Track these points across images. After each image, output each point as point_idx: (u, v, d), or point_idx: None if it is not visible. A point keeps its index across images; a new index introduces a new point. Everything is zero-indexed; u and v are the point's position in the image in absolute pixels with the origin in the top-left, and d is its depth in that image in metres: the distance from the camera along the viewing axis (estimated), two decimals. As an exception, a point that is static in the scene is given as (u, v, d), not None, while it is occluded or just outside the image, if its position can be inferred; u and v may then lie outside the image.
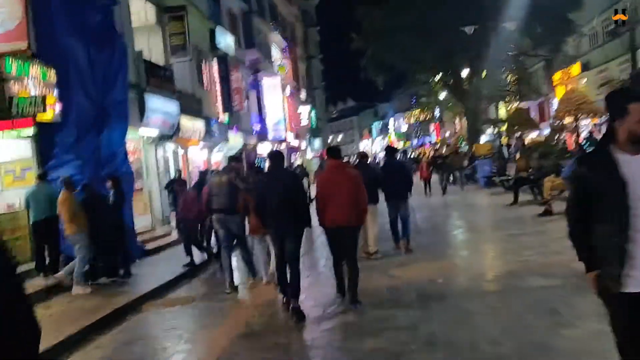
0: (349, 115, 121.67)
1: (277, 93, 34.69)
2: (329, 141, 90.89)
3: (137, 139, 17.23)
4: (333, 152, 7.93)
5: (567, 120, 21.89)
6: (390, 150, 12.21)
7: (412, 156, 48.68)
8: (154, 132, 17.67)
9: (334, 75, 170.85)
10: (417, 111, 73.77)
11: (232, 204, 8.98)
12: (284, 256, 7.21)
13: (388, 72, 37.25)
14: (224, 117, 25.10)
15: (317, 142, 55.01)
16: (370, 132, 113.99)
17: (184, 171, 20.92)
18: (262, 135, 33.72)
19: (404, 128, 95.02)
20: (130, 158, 15.39)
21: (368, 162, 12.53)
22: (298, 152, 45.92)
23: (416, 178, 19.08)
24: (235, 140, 26.63)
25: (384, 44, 33.41)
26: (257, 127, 32.70)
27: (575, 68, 40.64)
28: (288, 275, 7.23)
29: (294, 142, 42.55)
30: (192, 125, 20.50)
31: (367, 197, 7.50)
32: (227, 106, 25.08)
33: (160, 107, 17.39)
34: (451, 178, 25.78)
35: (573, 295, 6.52)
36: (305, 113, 47.23)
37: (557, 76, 43.68)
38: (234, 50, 27.40)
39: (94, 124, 12.68)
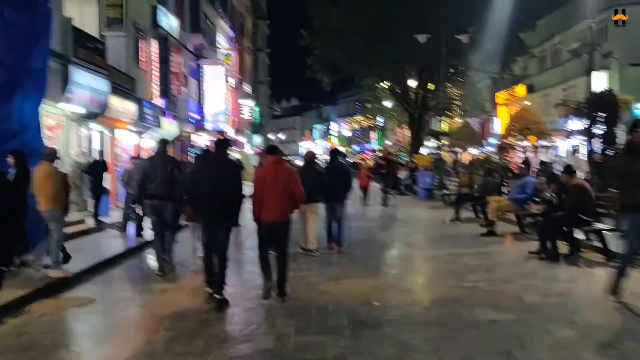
0: (292, 114, 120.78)
1: (219, 83, 33.22)
2: (270, 139, 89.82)
3: (59, 114, 15.70)
4: (272, 149, 8.10)
5: (511, 139, 21.62)
6: (334, 152, 12.12)
7: (353, 161, 48.09)
8: (79, 109, 16.13)
9: (280, 71, 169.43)
10: (360, 117, 73.75)
11: (167, 190, 8.91)
12: (212, 247, 7.17)
13: (334, 74, 36.50)
14: (159, 102, 23.58)
15: (258, 139, 53.65)
16: (312, 133, 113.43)
17: (110, 154, 19.42)
18: (200, 125, 32.21)
19: (347, 133, 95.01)
20: (49, 134, 13.92)
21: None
22: (236, 147, 44.44)
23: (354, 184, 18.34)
24: (169, 127, 25.10)
25: (333, 44, 32.65)
26: (195, 116, 31.19)
27: (521, 89, 41.07)
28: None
29: (233, 136, 41.08)
30: (123, 106, 18.99)
31: (303, 192, 7.49)
32: (164, 90, 23.57)
33: (87, 82, 15.85)
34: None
35: (529, 335, 5.69)
36: (248, 107, 45.82)
37: (501, 95, 44.11)
38: (178, 33, 25.89)
39: (4, 91, 11.16)
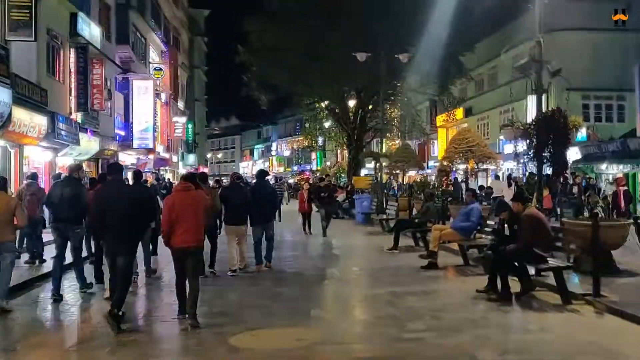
0: (231, 133, 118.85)
1: (148, 97, 31.34)
2: (207, 158, 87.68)
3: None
4: (187, 177, 8.31)
5: (447, 163, 20.75)
6: (261, 173, 12.47)
7: (288, 182, 46.68)
8: (-29, 121, 14.20)
9: (219, 90, 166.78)
10: (301, 137, 72.76)
11: (75, 213, 9.06)
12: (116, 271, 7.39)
13: (272, 92, 35.20)
14: (77, 116, 21.64)
15: (192, 158, 51.69)
16: (252, 153, 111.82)
17: (15, 172, 17.41)
18: (126, 143, 30.22)
19: (287, 153, 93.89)
20: None
21: (242, 183, 12.52)
22: (168, 166, 42.46)
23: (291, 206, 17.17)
24: (90, 145, 23.14)
25: (270, 62, 31.42)
26: (120, 132, 29.20)
27: (459, 112, 40.90)
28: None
29: (164, 154, 39.12)
30: (30, 120, 17.01)
31: (206, 219, 8.00)
32: (83, 104, 21.63)
33: (-19, 91, 13.97)
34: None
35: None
36: (181, 124, 43.93)
37: (441, 118, 43.87)
38: (100, 43, 24.05)
39: None
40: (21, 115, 16.28)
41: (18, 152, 17.90)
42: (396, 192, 24.36)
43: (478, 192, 16.66)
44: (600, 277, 7.91)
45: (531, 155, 12.23)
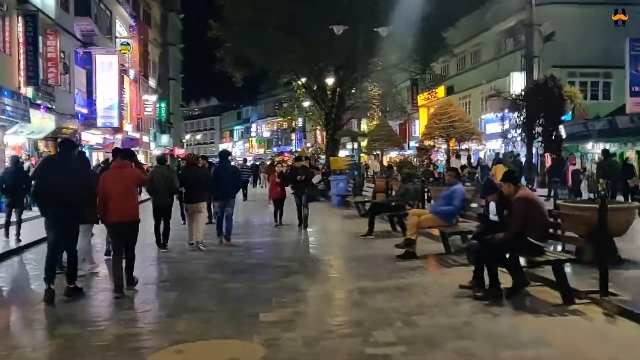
0: (210, 114, 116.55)
1: (112, 73, 29.49)
2: (185, 139, 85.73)
3: None
4: (120, 152, 8.56)
5: (432, 141, 19.39)
6: (223, 154, 13.20)
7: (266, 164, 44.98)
8: None
9: (198, 70, 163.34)
10: (280, 119, 71.08)
11: None
12: (60, 243, 7.56)
13: (247, 69, 33.45)
14: (26, 91, 19.88)
15: (165, 138, 49.84)
16: (231, 134, 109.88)
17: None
18: (90, 121, 28.45)
19: (267, 134, 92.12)
20: None
21: (200, 165, 13.18)
22: (139, 146, 40.64)
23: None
24: (44, 123, 21.40)
25: (244, 36, 29.67)
26: (82, 110, 27.41)
27: (440, 90, 39.54)
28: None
29: (134, 134, 37.33)
30: (-33, 93, 15.36)
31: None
32: (33, 78, 19.86)
33: None
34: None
35: None
36: (152, 103, 42.02)
37: (422, 97, 42.48)
38: (54, 12, 22.23)
39: None
40: (-46, 87, 14.61)
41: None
42: (358, 173, 22.36)
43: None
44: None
45: (519, 131, 10.85)
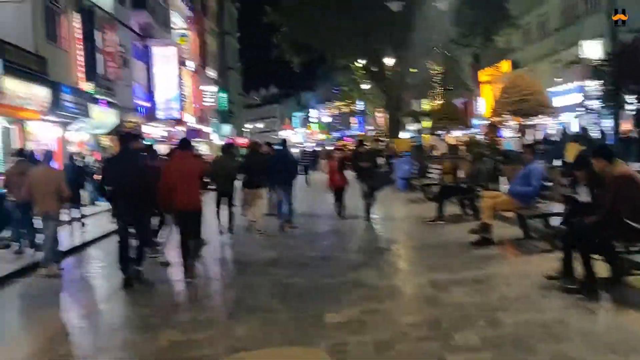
0: (270, 102, 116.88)
1: (171, 65, 29.53)
2: (246, 128, 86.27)
3: None
4: (182, 144, 8.74)
5: (501, 117, 18.19)
6: (282, 142, 13.82)
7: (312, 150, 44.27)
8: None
9: (255, 58, 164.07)
10: (340, 103, 70.31)
11: None
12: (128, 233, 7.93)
13: (304, 53, 32.89)
14: (86, 86, 19.95)
15: (227, 128, 49.95)
16: (291, 121, 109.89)
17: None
18: (151, 114, 28.61)
19: (327, 119, 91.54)
20: None
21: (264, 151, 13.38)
22: (200, 138, 40.83)
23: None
24: (105, 117, 21.51)
25: (300, 20, 29.11)
26: (143, 103, 27.56)
27: (505, 65, 37.85)
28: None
29: (196, 125, 37.47)
30: (28, 91, 15.40)
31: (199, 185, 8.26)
32: (91, 73, 19.91)
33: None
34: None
35: None
36: (212, 93, 42.07)
37: (485, 73, 40.81)
38: (111, 7, 22.25)
39: None
40: (15, 86, 14.66)
41: (20, 128, 16.38)
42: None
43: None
44: None
45: (602, 100, 9.80)
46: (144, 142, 12.13)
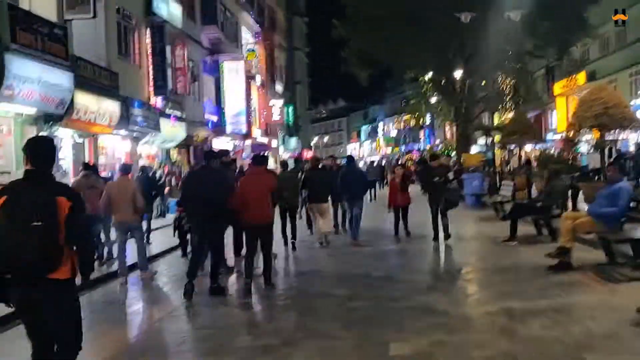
0: (337, 116, 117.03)
1: (239, 79, 29.86)
2: (313, 142, 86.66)
3: (4, 116, 12.62)
4: (256, 159, 8.99)
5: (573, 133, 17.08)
6: (349, 158, 14.02)
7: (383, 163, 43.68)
8: (27, 109, 12.96)
9: (323, 72, 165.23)
10: (407, 116, 69.52)
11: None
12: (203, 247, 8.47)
13: (372, 66, 32.56)
14: (157, 101, 20.31)
15: (294, 142, 50.19)
16: (358, 135, 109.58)
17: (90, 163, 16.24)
18: (220, 128, 28.95)
19: (394, 133, 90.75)
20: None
21: (321, 166, 13.87)
22: (268, 151, 41.11)
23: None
24: (175, 131, 21.86)
25: (368, 33, 28.82)
26: (212, 117, 27.91)
27: (581, 77, 36.33)
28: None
29: (262, 139, 37.75)
30: (98, 106, 15.75)
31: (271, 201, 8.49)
32: (161, 87, 20.24)
33: (36, 75, 12.64)
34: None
35: None
36: (278, 107, 42.33)
37: (559, 85, 39.29)
38: (181, 22, 22.64)
39: None
40: (86, 101, 15.01)
41: (92, 141, 16.77)
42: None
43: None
44: None
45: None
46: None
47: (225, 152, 10.79)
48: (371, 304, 7.27)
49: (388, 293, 7.79)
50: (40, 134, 13.45)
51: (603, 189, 8.67)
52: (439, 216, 12.12)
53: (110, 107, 16.39)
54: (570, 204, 11.98)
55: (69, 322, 3.86)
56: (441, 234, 12.08)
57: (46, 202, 3.67)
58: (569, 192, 11.40)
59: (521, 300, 6.94)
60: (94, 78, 15.61)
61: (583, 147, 25.84)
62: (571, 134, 13.16)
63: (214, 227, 8.10)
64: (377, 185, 28.22)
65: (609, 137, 14.25)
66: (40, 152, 3.92)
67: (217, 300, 7.87)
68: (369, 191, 20.39)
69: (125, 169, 10.07)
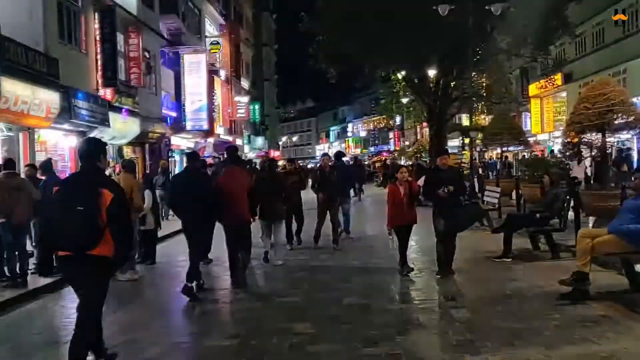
0: (307, 116, 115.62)
1: (201, 73, 27.89)
2: (281, 142, 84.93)
3: None
4: (233, 158, 9.33)
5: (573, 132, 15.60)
6: (338, 155, 14.49)
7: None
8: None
9: (292, 71, 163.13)
10: (377, 117, 68.35)
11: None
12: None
13: (342, 63, 30.86)
14: (107, 93, 18.28)
15: (260, 141, 48.35)
16: (327, 135, 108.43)
17: (25, 161, 14.18)
18: (179, 124, 26.99)
19: (363, 134, 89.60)
20: None
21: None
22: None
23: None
24: (127, 127, 19.85)
25: (338, 29, 27.16)
26: (171, 113, 25.94)
27: (558, 78, 35.38)
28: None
29: (227, 137, 35.81)
30: (32, 96, 13.72)
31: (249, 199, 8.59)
32: (111, 78, 18.23)
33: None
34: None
35: None
36: (244, 104, 40.44)
37: (534, 86, 38.30)
38: (136, 8, 20.67)
39: None
40: (17, 89, 12.99)
41: (27, 136, 14.77)
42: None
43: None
44: None
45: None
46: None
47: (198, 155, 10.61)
48: (339, 348, 5.57)
49: (360, 331, 6.06)
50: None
51: (628, 202, 7.11)
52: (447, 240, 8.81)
53: (48, 97, 14.37)
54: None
55: (94, 294, 4.66)
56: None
57: (88, 191, 4.54)
58: (571, 203, 9.82)
59: (538, 347, 5.28)
60: (27, 64, 13.60)
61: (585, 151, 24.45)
62: (570, 135, 11.62)
63: (200, 227, 8.29)
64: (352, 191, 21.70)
65: (610, 138, 12.69)
66: (83, 152, 4.89)
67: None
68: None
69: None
